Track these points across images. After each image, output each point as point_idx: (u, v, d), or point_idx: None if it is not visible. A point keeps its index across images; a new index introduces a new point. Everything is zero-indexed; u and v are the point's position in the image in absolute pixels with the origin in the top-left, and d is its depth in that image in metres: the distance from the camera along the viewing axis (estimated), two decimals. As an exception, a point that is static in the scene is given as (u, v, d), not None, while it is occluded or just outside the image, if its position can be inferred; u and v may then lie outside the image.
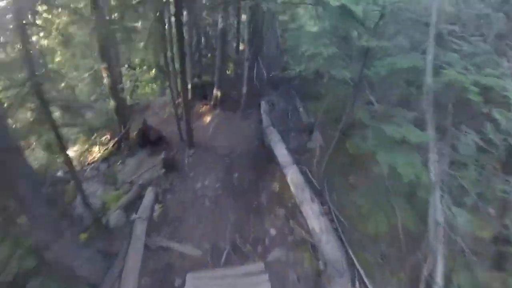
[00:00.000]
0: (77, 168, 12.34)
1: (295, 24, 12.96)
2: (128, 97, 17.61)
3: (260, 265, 5.76)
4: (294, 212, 6.24)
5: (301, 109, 9.43)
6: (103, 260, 6.34)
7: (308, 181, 6.20)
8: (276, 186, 7.18)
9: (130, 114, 13.83)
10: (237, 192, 7.60)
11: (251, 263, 5.92)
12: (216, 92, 11.48)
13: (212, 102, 11.79)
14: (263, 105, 10.24)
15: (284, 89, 11.28)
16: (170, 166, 8.86)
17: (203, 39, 12.62)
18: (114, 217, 7.69)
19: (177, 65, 8.48)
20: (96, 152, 13.10)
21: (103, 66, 11.61)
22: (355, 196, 5.79)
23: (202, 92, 12.46)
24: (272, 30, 10.14)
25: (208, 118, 11.35)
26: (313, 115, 8.66)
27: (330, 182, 6.25)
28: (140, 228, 6.97)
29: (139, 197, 8.31)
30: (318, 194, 5.95)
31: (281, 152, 6.84)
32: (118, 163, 10.53)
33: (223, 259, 6.07)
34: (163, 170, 8.85)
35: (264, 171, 7.78)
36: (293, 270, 5.53)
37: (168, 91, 11.79)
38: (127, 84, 18.39)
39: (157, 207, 7.68)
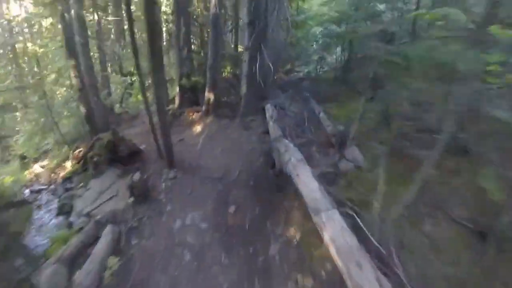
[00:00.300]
0: (45, 187, 9.62)
1: (301, 17, 10.54)
2: (117, 105, 15.55)
3: None
4: (333, 289, 3.31)
5: (321, 115, 6.57)
6: None
7: (362, 239, 3.20)
8: (294, 233, 4.23)
9: (108, 123, 11.03)
10: (234, 238, 4.67)
11: None
12: (209, 95, 8.63)
13: (203, 108, 8.97)
14: (269, 110, 7.21)
15: (295, 90, 8.50)
16: (140, 194, 5.97)
17: (193, 31, 9.86)
18: (47, 275, 4.68)
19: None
20: (68, 167, 10.38)
21: (71, 63, 8.95)
22: (448, 264, 2.95)
23: (192, 96, 9.66)
24: (280, 11, 7.28)
25: (198, 128, 8.48)
26: (339, 123, 5.84)
27: (396, 236, 3.37)
28: (78, 302, 4.08)
29: (95, 239, 5.43)
30: (382, 262, 3.07)
31: (309, 185, 3.49)
32: (79, 186, 7.59)
33: None
34: (132, 199, 5.97)
35: (274, 205, 4.87)
36: None
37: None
38: (116, 90, 16.34)
39: (112, 261, 4.73)
